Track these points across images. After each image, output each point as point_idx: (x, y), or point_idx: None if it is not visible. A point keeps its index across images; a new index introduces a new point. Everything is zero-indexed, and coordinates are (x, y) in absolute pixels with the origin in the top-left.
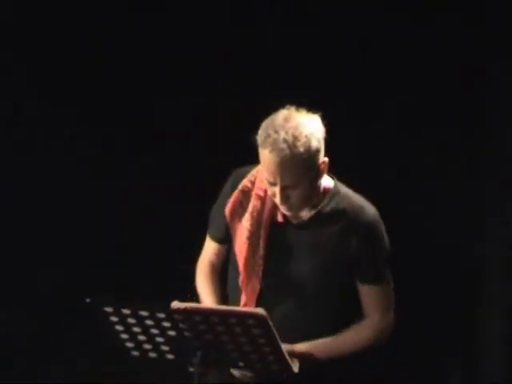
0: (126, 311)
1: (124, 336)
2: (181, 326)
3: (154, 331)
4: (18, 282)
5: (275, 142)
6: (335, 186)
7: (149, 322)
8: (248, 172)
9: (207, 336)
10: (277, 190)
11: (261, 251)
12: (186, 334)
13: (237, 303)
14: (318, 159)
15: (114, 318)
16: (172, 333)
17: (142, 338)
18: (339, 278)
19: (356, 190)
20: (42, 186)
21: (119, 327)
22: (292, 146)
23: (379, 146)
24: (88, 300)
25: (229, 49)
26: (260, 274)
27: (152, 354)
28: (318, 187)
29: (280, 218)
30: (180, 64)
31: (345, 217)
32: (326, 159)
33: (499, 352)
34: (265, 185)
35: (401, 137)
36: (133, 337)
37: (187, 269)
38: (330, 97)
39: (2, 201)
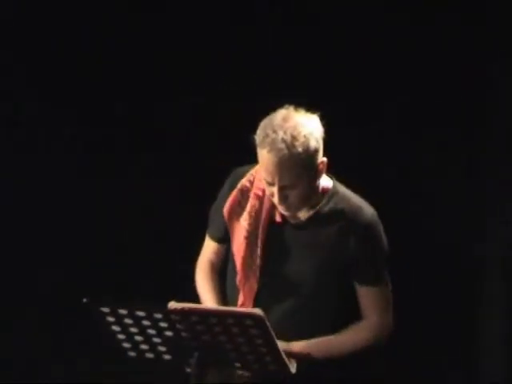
0: (123, 311)
1: (121, 336)
2: (178, 326)
3: (151, 332)
4: (18, 282)
5: (273, 141)
6: (334, 186)
7: (146, 323)
8: (247, 171)
9: (204, 336)
10: (275, 189)
11: (258, 251)
12: (183, 334)
13: (235, 303)
14: (316, 159)
15: (110, 319)
16: (169, 333)
17: (138, 338)
18: (337, 278)
19: (356, 190)
20: (42, 186)
21: (116, 328)
22: (290, 145)
23: (379, 145)
24: (85, 300)
25: (229, 49)
26: (257, 273)
27: (149, 355)
28: (317, 187)
29: (278, 218)
30: (180, 64)
31: (343, 217)
32: (325, 159)
33: (499, 352)
34: (263, 184)
35: (401, 137)
36: (130, 337)
37: (187, 269)
38: (329, 97)
39: (1, 201)
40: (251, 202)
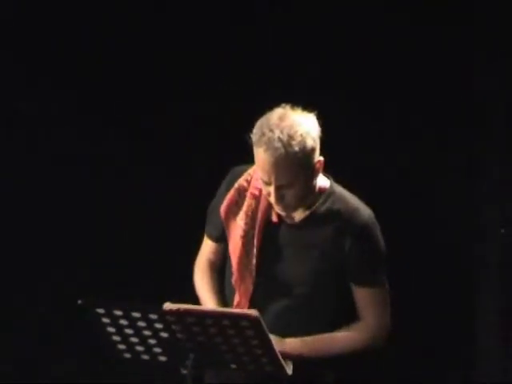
0: (118, 312)
1: (116, 338)
2: (173, 327)
3: (147, 333)
4: (18, 282)
5: (270, 140)
6: (331, 187)
7: (141, 324)
8: (245, 171)
9: (200, 338)
10: (271, 189)
11: (254, 251)
12: (179, 335)
13: (233, 302)
14: (313, 158)
15: (105, 320)
16: (164, 334)
17: (134, 339)
18: (334, 279)
19: (355, 190)
20: (42, 186)
21: (111, 329)
22: (287, 145)
23: (379, 146)
24: (80, 301)
25: (229, 49)
26: (253, 273)
27: (144, 356)
28: (314, 187)
29: (274, 218)
30: (180, 64)
31: (339, 217)
32: (322, 158)
33: (499, 352)
34: (260, 184)
35: (401, 137)
36: (125, 338)
37: (187, 269)
38: (330, 97)
39: (1, 201)
40: (248, 202)
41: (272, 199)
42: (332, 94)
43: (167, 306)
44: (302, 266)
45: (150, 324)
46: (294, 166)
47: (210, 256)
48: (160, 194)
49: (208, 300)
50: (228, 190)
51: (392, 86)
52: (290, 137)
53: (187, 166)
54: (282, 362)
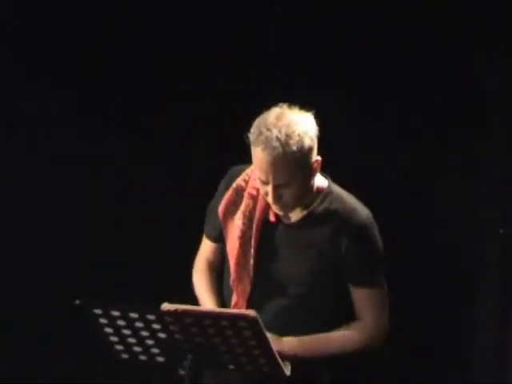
0: (116, 313)
1: (113, 339)
2: (171, 328)
3: (144, 333)
4: (17, 282)
5: (268, 140)
6: (329, 186)
7: (139, 325)
8: (243, 170)
9: (198, 338)
10: (269, 188)
11: (252, 251)
12: (177, 336)
13: (230, 303)
14: (310, 158)
15: (103, 320)
16: (162, 335)
17: (131, 340)
18: (331, 279)
19: (355, 190)
20: (42, 186)
21: (108, 329)
22: (285, 144)
23: (379, 145)
24: (77, 302)
25: (229, 49)
26: (251, 273)
27: (142, 357)
28: (311, 186)
29: (272, 218)
30: (180, 64)
31: (337, 217)
32: (319, 158)
33: (498, 352)
34: (258, 184)
35: (401, 137)
36: (122, 339)
37: (187, 269)
38: (330, 97)
39: (1, 201)
40: (245, 202)
41: (270, 199)
42: (332, 93)
43: (165, 306)
44: (299, 266)
45: (147, 325)
46: (291, 165)
47: (209, 256)
48: (160, 194)
49: (206, 300)
50: (226, 190)
51: (392, 85)
52: (288, 136)
53: (187, 166)
54: (280, 362)
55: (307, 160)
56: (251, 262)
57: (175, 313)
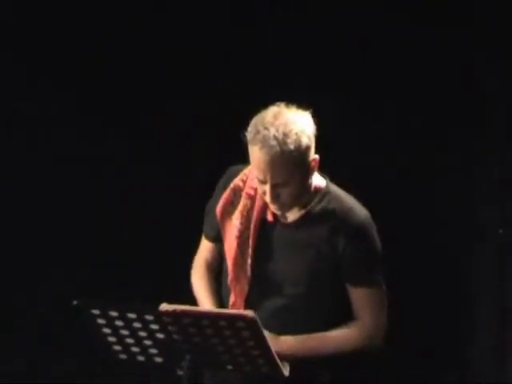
0: (114, 313)
1: (112, 339)
2: (169, 328)
3: (142, 334)
4: (18, 282)
5: (265, 138)
6: (326, 186)
7: (137, 325)
8: (241, 170)
9: (196, 339)
10: (267, 188)
11: (249, 250)
12: (175, 336)
13: (228, 303)
14: (308, 156)
15: (101, 321)
16: (160, 335)
17: (129, 340)
18: (329, 278)
19: (355, 190)
20: (42, 186)
21: (107, 330)
22: (282, 143)
23: (379, 145)
24: (75, 302)
25: (229, 49)
26: (249, 273)
27: (140, 357)
28: (309, 186)
29: (270, 218)
30: (180, 64)
31: (334, 217)
32: (317, 156)
33: (498, 352)
34: (256, 183)
35: (401, 137)
36: (120, 340)
37: (187, 269)
38: (330, 97)
39: (1, 201)
40: (243, 202)
41: (267, 198)
42: (332, 93)
43: (163, 306)
44: (297, 266)
45: (145, 325)
46: (289, 164)
47: (207, 256)
48: (160, 194)
49: (205, 300)
50: (224, 190)
51: (392, 85)
52: (285, 135)
53: (187, 166)
54: (279, 362)
55: (305, 159)
56: (249, 261)
57: (173, 313)
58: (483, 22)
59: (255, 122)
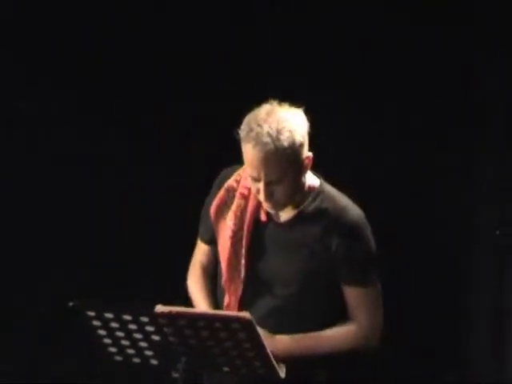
0: (109, 315)
1: (107, 341)
2: (165, 330)
3: (138, 336)
4: (18, 282)
5: (258, 136)
6: (320, 185)
7: (132, 327)
8: (235, 171)
9: (192, 340)
10: (261, 185)
11: (243, 250)
12: (171, 338)
13: (222, 304)
14: (301, 154)
15: (96, 322)
16: (156, 337)
17: (125, 342)
18: (323, 278)
19: (355, 189)
20: (42, 186)
21: (102, 331)
22: (276, 139)
23: (379, 145)
24: (71, 304)
25: (229, 49)
26: (242, 273)
27: (136, 359)
28: (303, 184)
29: (263, 217)
30: (180, 64)
31: (327, 216)
32: (310, 154)
33: (498, 352)
34: (249, 183)
35: (401, 137)
36: (116, 341)
37: (187, 269)
38: (330, 97)
39: (1, 201)
40: (237, 202)
41: (261, 196)
42: (332, 93)
43: (159, 308)
44: (291, 266)
45: (141, 327)
46: (282, 161)
47: (203, 259)
48: (160, 194)
49: (200, 301)
50: (218, 191)
51: (392, 85)
52: (279, 132)
53: (187, 166)
54: (275, 364)
55: (298, 156)
56: (243, 262)
57: (169, 315)
58: (483, 22)
59: (248, 119)
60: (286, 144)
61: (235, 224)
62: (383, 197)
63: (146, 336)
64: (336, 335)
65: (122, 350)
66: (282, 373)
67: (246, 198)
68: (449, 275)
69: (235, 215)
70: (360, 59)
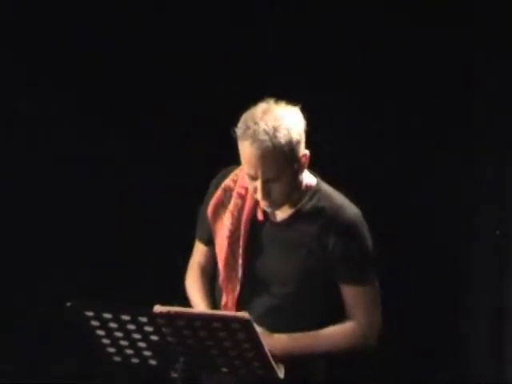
0: (108, 315)
1: (105, 341)
2: (163, 330)
3: (137, 336)
4: (18, 282)
5: (255, 133)
6: (317, 184)
7: (131, 327)
8: (232, 171)
9: (190, 341)
10: (258, 184)
11: (240, 250)
12: (169, 338)
13: (220, 304)
14: (298, 152)
15: (94, 323)
16: (155, 338)
17: (123, 343)
18: (321, 277)
19: (355, 189)
20: (42, 186)
21: (100, 332)
22: (273, 137)
23: (379, 145)
24: (68, 304)
25: (229, 49)
26: (240, 273)
27: (134, 360)
28: (300, 182)
29: (260, 217)
30: (180, 64)
31: (324, 215)
32: (307, 152)
33: (498, 352)
34: (246, 183)
35: (401, 137)
36: (114, 342)
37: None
38: (330, 97)
39: (1, 201)
40: (234, 201)
41: (258, 195)
42: (332, 93)
43: (157, 308)
44: (288, 265)
45: (139, 327)
46: (280, 159)
47: (201, 260)
48: (160, 194)
49: (199, 302)
50: (215, 191)
51: (392, 85)
52: (276, 129)
53: (187, 166)
54: (274, 365)
55: (295, 154)
56: (240, 261)
57: (167, 315)
58: (483, 22)
59: (245, 118)
60: (283, 141)
61: (232, 224)
62: (383, 197)
63: (145, 336)
64: (334, 334)
65: (120, 350)
66: (281, 373)
67: (243, 197)
68: (449, 275)
69: (232, 215)
70: (360, 59)
